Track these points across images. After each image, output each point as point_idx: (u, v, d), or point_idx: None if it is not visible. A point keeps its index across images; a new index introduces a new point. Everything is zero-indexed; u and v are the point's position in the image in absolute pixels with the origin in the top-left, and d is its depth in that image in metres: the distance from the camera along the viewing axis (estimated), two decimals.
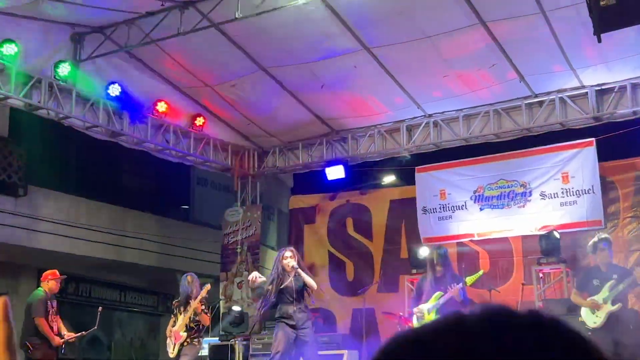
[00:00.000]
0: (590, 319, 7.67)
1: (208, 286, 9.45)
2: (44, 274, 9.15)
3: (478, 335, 0.81)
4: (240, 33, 10.17)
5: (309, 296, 8.01)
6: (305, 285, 7.86)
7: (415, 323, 7.80)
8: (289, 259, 7.85)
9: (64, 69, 10.12)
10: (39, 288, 9.11)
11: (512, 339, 0.80)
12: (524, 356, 0.79)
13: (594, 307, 7.62)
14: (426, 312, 7.61)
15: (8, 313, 1.97)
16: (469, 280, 7.64)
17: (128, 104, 11.09)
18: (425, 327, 0.84)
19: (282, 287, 7.83)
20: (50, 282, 8.90)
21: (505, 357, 0.78)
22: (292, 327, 7.79)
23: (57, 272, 9.06)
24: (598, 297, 7.64)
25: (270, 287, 7.90)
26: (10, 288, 13.95)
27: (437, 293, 7.58)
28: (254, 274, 8.12)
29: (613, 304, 7.52)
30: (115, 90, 10.76)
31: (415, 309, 7.81)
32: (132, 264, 15.05)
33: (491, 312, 0.84)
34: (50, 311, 8.78)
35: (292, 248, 8.18)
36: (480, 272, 7.89)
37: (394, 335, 0.87)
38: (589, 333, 8.24)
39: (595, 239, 8.14)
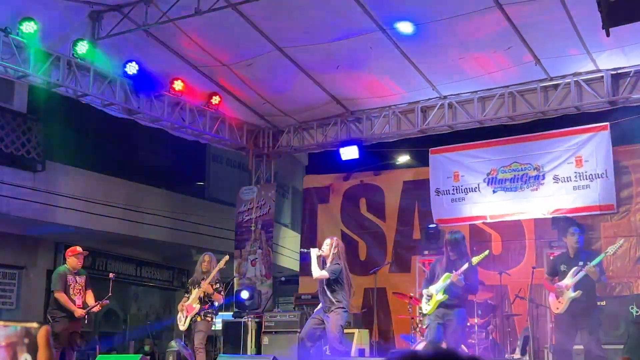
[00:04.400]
0: (554, 304, 7.75)
1: (226, 257, 9.51)
2: (67, 250, 9.36)
3: None
4: (257, 13, 10.21)
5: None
6: (336, 275, 7.99)
7: (423, 304, 7.90)
8: (324, 245, 8.10)
9: (82, 47, 10.19)
10: (64, 264, 9.34)
11: None
12: None
13: (557, 294, 7.68)
14: (434, 292, 7.70)
15: (49, 341, 2.20)
16: (475, 260, 7.70)
17: (144, 83, 11.13)
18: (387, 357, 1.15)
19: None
20: (70, 259, 9.10)
21: None
22: (319, 311, 8.00)
23: (78, 248, 9.21)
24: (562, 283, 7.67)
25: None
26: (28, 261, 14.20)
27: (446, 275, 7.66)
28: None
29: (574, 290, 7.55)
30: (132, 68, 10.78)
31: (424, 290, 7.91)
32: (148, 239, 15.25)
33: (441, 353, 1.10)
34: (72, 285, 8.97)
35: (334, 237, 8.37)
36: (487, 252, 7.91)
37: None
38: (553, 319, 8.36)
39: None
